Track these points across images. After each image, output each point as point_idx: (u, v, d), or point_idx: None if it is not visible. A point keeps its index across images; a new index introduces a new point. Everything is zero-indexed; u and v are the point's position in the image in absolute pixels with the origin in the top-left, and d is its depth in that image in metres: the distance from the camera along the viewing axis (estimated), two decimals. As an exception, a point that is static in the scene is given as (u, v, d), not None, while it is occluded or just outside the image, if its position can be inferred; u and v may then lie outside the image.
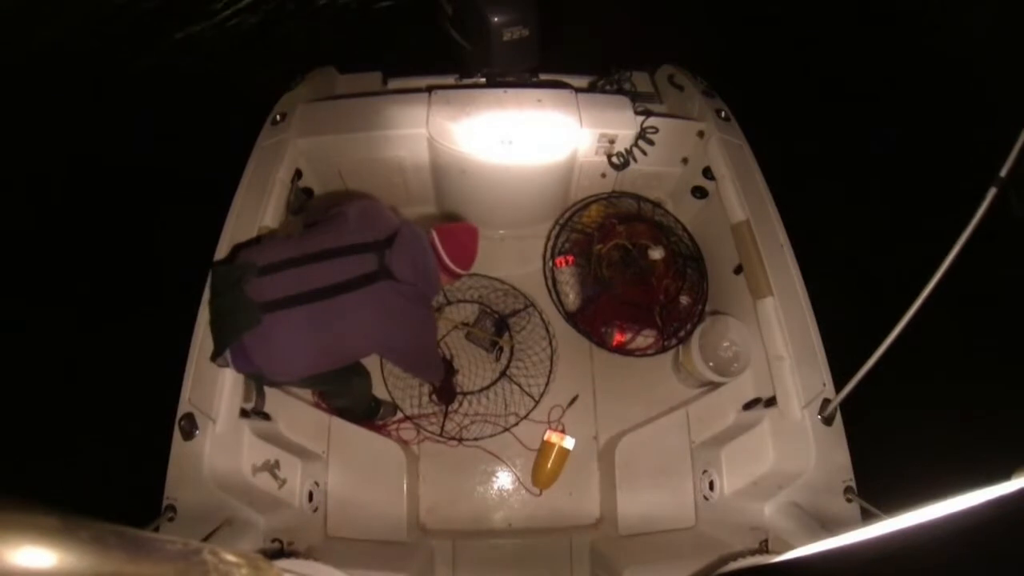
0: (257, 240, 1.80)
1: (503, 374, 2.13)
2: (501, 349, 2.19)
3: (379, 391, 2.06)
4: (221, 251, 1.78)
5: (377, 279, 1.41)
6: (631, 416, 2.02)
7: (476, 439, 2.04)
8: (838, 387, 1.59)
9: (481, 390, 2.11)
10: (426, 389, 2.11)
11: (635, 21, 3.55)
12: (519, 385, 2.13)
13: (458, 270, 1.58)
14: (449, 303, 2.26)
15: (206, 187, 2.10)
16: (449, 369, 2.11)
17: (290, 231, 2.04)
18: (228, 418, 1.59)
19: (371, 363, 2.09)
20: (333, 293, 1.37)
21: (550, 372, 2.13)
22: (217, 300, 1.47)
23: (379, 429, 2.00)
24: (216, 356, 1.43)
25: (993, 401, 2.39)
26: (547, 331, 2.20)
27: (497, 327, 2.20)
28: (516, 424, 2.05)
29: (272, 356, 1.37)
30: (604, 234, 2.18)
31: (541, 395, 2.10)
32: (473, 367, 2.18)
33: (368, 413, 2.00)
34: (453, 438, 2.03)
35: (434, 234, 1.55)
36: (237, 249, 1.72)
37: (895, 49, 3.53)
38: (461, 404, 2.09)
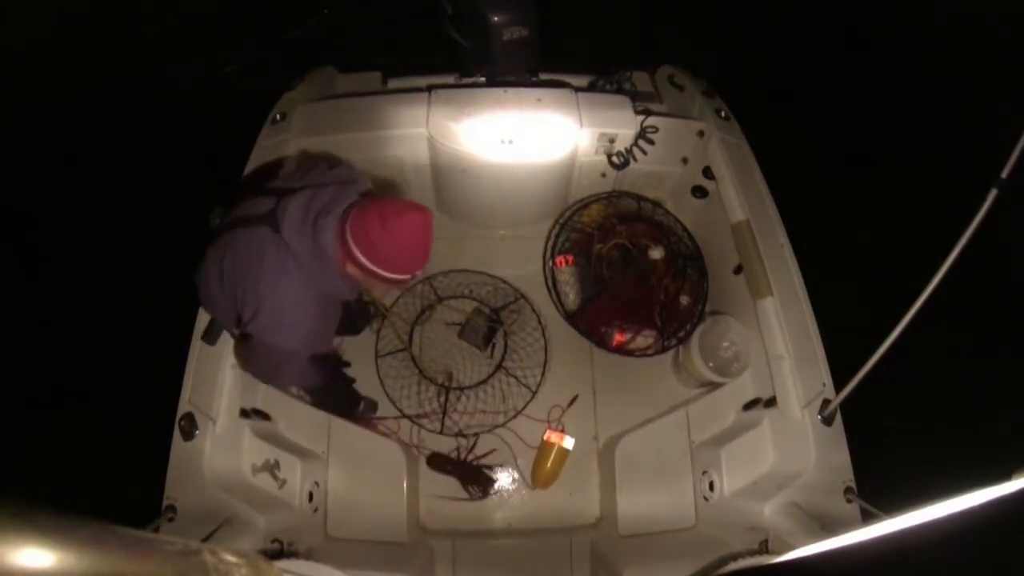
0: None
1: (499, 367, 2.13)
2: (495, 345, 2.19)
3: (377, 393, 2.06)
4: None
5: (257, 224, 1.22)
6: (631, 416, 2.01)
7: (476, 434, 2.04)
8: (838, 387, 1.59)
9: (478, 384, 2.11)
10: (418, 396, 2.07)
11: (635, 21, 3.56)
12: (515, 377, 2.13)
13: (370, 266, 1.15)
14: (440, 300, 2.26)
15: (206, 186, 2.10)
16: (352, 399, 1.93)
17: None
18: (228, 418, 1.60)
19: (363, 358, 2.10)
20: (229, 228, 1.30)
21: (544, 362, 2.13)
22: None
23: (377, 428, 2.00)
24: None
25: (993, 401, 2.39)
26: (539, 321, 2.21)
27: (489, 323, 2.20)
28: (515, 417, 2.05)
29: (200, 286, 1.41)
30: (604, 234, 2.18)
31: (538, 386, 2.10)
32: (469, 364, 2.18)
33: (346, 406, 1.95)
34: (458, 434, 2.03)
35: (361, 201, 1.18)
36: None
37: (896, 49, 3.53)
38: (459, 399, 2.09)
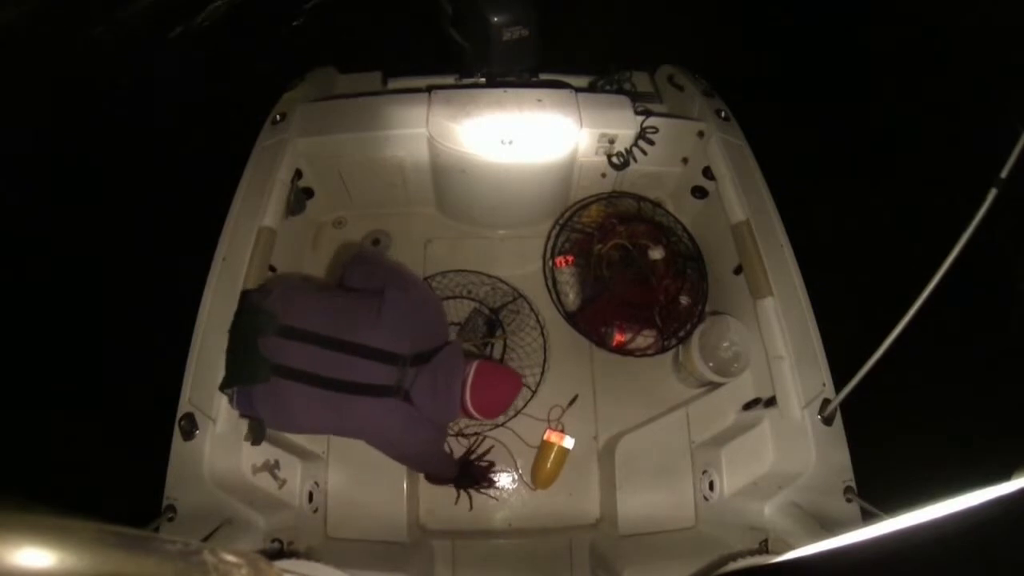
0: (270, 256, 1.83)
1: None
2: (493, 345, 2.18)
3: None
4: (221, 251, 1.78)
5: (390, 394, 1.40)
6: (631, 416, 2.02)
7: (476, 434, 2.04)
8: (838, 387, 1.59)
9: None
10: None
11: (635, 21, 3.56)
12: None
13: (478, 416, 1.51)
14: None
15: (206, 187, 2.11)
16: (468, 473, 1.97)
17: (324, 279, 2.11)
18: (228, 418, 1.59)
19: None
20: (348, 390, 1.38)
21: (544, 362, 2.13)
22: (235, 338, 1.53)
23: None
24: (223, 388, 1.51)
25: (993, 401, 2.39)
26: (538, 321, 2.21)
27: (489, 323, 2.20)
28: (514, 416, 2.05)
29: (278, 415, 1.45)
30: (604, 234, 2.18)
31: (537, 385, 2.10)
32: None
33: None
34: (459, 434, 2.03)
35: (472, 370, 1.47)
36: (269, 285, 1.70)
37: (896, 48, 3.53)
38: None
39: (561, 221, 2.24)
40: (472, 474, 1.95)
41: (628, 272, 2.13)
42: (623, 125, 2.07)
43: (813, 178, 2.85)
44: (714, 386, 1.96)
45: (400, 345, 1.43)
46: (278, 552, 1.48)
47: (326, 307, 1.50)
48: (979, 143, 1.71)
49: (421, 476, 1.97)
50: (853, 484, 1.53)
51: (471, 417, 1.52)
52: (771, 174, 2.04)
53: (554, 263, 2.15)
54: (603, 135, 2.07)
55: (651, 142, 2.11)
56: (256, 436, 1.59)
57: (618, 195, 2.28)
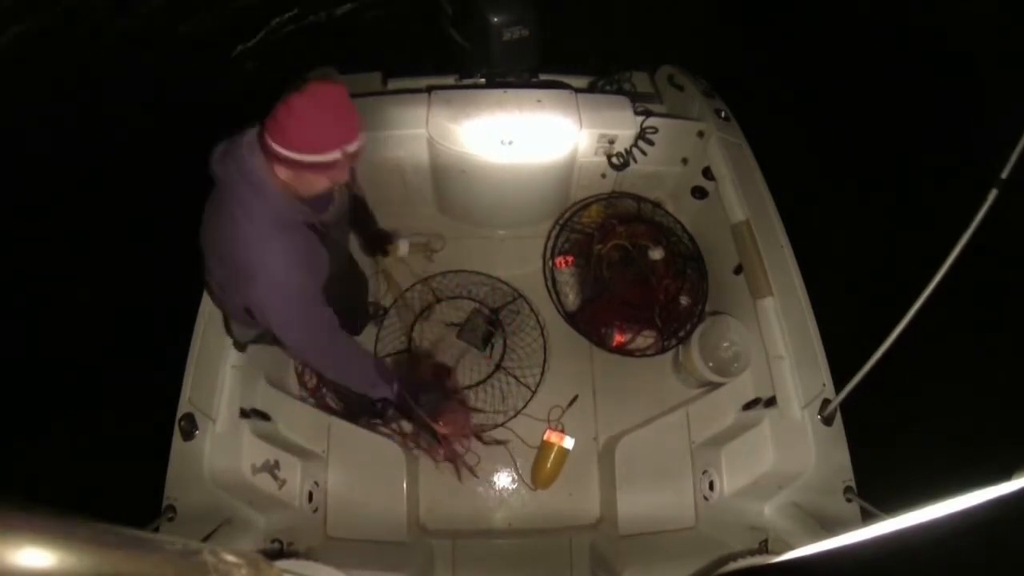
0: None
1: (498, 367, 2.13)
2: (493, 345, 2.18)
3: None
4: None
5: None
6: (631, 416, 2.01)
7: (476, 434, 2.03)
8: (838, 387, 1.59)
9: (477, 384, 2.11)
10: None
11: (635, 21, 3.56)
12: (515, 377, 2.13)
13: (292, 156, 1.04)
14: (439, 301, 2.26)
15: (207, 187, 2.10)
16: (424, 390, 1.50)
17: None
18: (228, 418, 1.60)
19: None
20: None
21: (544, 362, 2.14)
22: None
23: (377, 429, 1.98)
24: None
25: (993, 401, 2.39)
26: (538, 321, 2.21)
27: (489, 323, 2.20)
28: (514, 416, 2.05)
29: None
30: (604, 234, 2.18)
31: (537, 385, 2.10)
32: (468, 364, 2.18)
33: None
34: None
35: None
36: None
37: (896, 48, 3.53)
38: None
39: (561, 221, 2.24)
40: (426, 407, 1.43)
41: (628, 272, 2.13)
42: (623, 125, 2.07)
43: (813, 178, 2.85)
44: (714, 386, 1.96)
45: None
46: (278, 552, 1.48)
47: None
48: (979, 143, 1.71)
49: (421, 476, 1.96)
50: (853, 484, 1.54)
51: (292, 166, 1.06)
52: (771, 174, 2.04)
53: (554, 263, 2.15)
54: (603, 135, 2.07)
55: (651, 142, 2.11)
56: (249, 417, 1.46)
57: (618, 195, 2.28)
